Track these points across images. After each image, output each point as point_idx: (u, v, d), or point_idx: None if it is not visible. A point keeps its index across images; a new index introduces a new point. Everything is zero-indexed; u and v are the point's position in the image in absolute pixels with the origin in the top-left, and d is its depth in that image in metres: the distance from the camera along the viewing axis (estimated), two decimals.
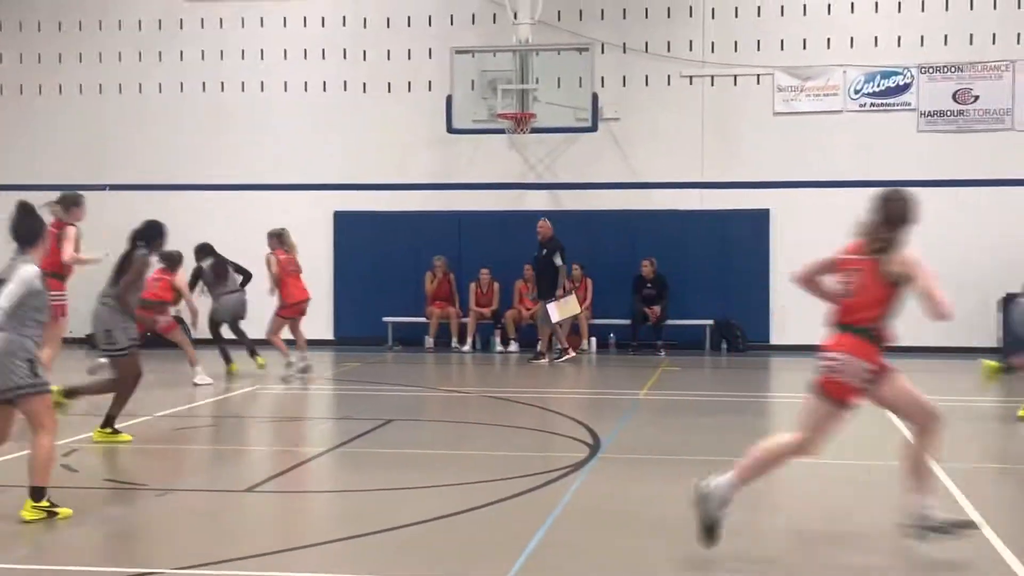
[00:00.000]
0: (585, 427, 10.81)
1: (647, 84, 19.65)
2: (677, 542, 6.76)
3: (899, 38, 19.04)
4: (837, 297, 6.52)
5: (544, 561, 6.36)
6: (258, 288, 16.08)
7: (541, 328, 17.69)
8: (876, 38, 19.10)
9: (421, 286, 19.58)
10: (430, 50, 19.90)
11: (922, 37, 18.99)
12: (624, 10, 19.70)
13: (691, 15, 19.54)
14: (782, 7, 19.35)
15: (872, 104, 19.10)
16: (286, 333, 15.55)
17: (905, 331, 19.18)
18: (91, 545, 6.88)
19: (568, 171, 19.79)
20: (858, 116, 19.13)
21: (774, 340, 19.24)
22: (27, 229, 7.31)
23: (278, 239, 15.60)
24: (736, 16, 19.44)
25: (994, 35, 18.82)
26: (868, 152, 18.98)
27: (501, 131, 18.88)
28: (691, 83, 19.52)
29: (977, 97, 18.81)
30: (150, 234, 10.29)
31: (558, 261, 17.39)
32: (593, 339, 19.12)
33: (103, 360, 13.82)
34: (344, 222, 20.17)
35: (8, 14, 21.09)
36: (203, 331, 15.48)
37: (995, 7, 18.85)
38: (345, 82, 20.33)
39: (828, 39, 19.21)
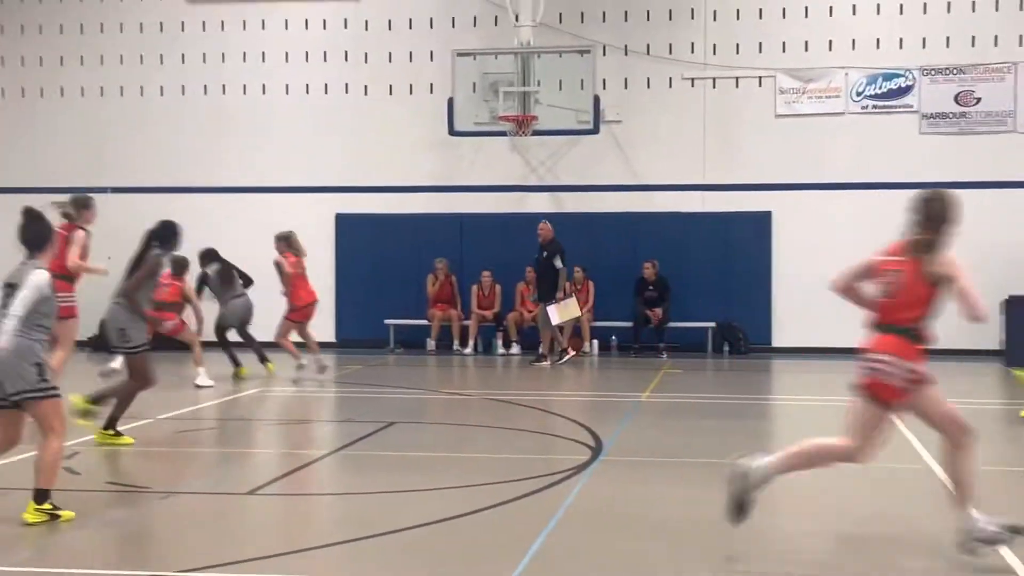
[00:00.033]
0: (587, 430, 10.80)
1: (649, 86, 19.65)
2: (680, 544, 6.76)
3: (901, 40, 19.04)
4: (875, 303, 6.47)
5: (547, 563, 6.36)
6: (263, 292, 16.09)
7: (542, 331, 17.69)
8: (878, 40, 19.09)
9: (423, 288, 19.58)
10: (431, 52, 19.91)
11: (924, 39, 18.99)
12: (626, 12, 19.71)
13: (693, 17, 19.54)
14: (784, 9, 19.35)
15: (874, 106, 19.10)
16: (294, 336, 15.58)
17: None
18: (94, 548, 6.88)
19: (570, 173, 19.79)
20: (860, 118, 19.13)
21: (776, 342, 19.24)
22: (35, 234, 7.34)
23: (286, 242, 15.61)
24: (738, 18, 19.44)
25: (996, 37, 18.81)
26: (870, 154, 18.98)
27: (503, 133, 18.87)
28: (693, 85, 19.52)
29: (979, 99, 18.80)
30: (165, 235, 10.31)
31: (558, 263, 17.39)
32: (595, 341, 19.11)
33: (113, 366, 13.86)
34: (346, 224, 20.18)
35: (10, 17, 21.10)
36: (208, 335, 15.49)
37: (997, 9, 18.85)
38: (346, 85, 20.34)
39: (830, 41, 19.22)
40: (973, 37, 18.85)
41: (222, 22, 20.60)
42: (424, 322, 19.49)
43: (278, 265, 15.50)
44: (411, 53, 20.12)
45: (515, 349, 19.00)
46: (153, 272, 10.26)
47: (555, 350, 17.67)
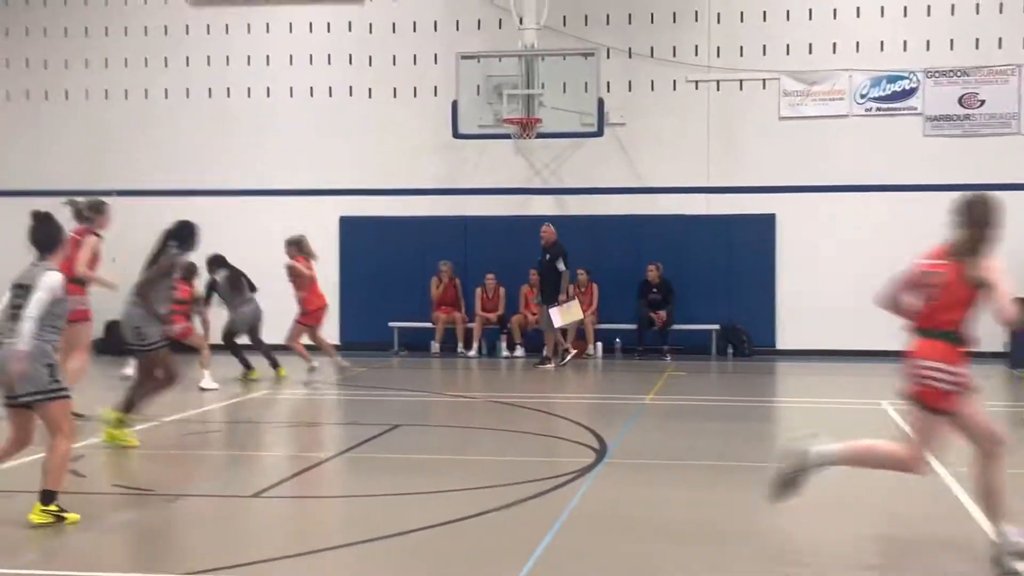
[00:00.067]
0: (591, 432, 10.80)
1: (653, 89, 19.66)
2: (686, 546, 6.76)
3: (905, 42, 19.04)
4: (916, 308, 6.42)
5: (552, 566, 6.36)
6: (272, 296, 16.12)
7: (546, 333, 17.70)
8: (882, 42, 19.10)
9: (427, 291, 19.59)
10: (436, 55, 19.93)
11: (928, 41, 18.99)
12: (630, 15, 19.72)
13: (697, 20, 19.55)
14: (788, 11, 19.35)
15: (878, 108, 19.10)
16: (305, 339, 15.61)
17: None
18: (99, 551, 6.88)
19: (574, 176, 19.80)
20: (864, 120, 19.13)
21: (780, 345, 19.23)
22: (45, 236, 7.38)
23: (297, 247, 15.63)
24: (742, 21, 19.45)
25: (1000, 39, 18.81)
26: (874, 157, 18.98)
27: (507, 136, 18.88)
28: (697, 88, 19.53)
29: (983, 101, 18.80)
30: (183, 234, 10.32)
31: (561, 266, 17.39)
32: (599, 344, 19.11)
33: (129, 371, 13.87)
34: (350, 227, 20.19)
35: (15, 20, 21.15)
36: (214, 339, 15.54)
37: (1001, 11, 18.85)
38: (351, 87, 20.36)
39: (834, 44, 19.22)
40: (977, 39, 18.86)
41: (226, 25, 20.64)
42: (428, 325, 19.50)
43: (291, 269, 15.49)
44: (415, 56, 20.14)
45: (519, 352, 19.00)
46: (168, 271, 10.24)
47: (558, 352, 17.68)
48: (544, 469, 9.05)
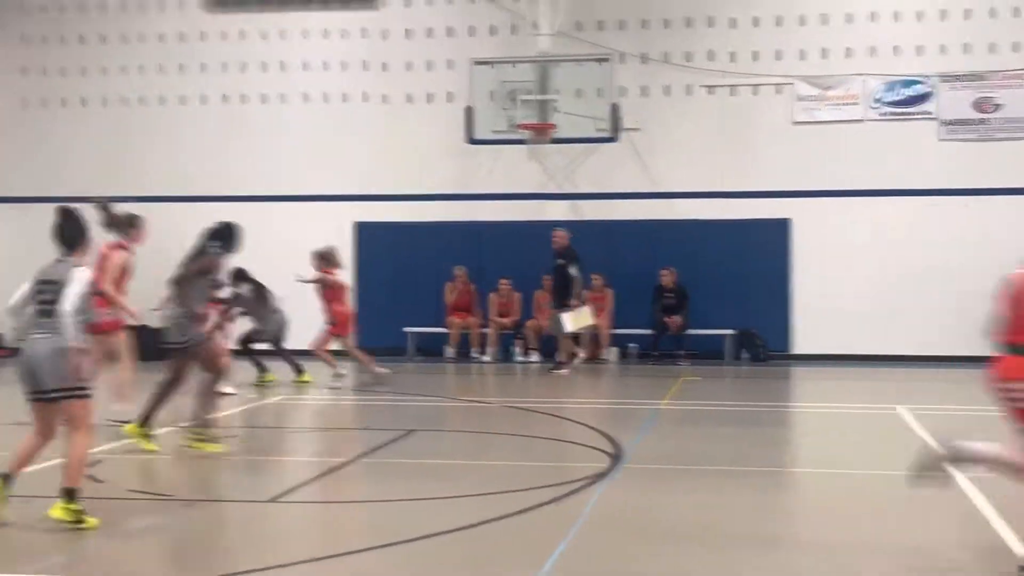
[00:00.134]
0: (606, 437, 10.81)
1: (667, 94, 19.66)
2: (702, 551, 6.76)
3: (920, 47, 19.01)
4: (1004, 321, 6.35)
5: (568, 570, 6.36)
6: (285, 302, 16.21)
7: (559, 338, 17.69)
8: (896, 47, 19.07)
9: (441, 296, 19.63)
10: (450, 61, 19.97)
11: (943, 46, 18.95)
12: (644, 20, 19.74)
13: (711, 25, 19.55)
14: (802, 17, 19.34)
15: (893, 113, 19.06)
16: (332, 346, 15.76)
17: (937, 341, 19.03)
18: (117, 556, 6.91)
19: (588, 181, 19.81)
20: (878, 125, 19.10)
21: (795, 350, 19.21)
22: (70, 233, 7.42)
23: (326, 260, 15.67)
24: (756, 26, 19.45)
25: (1015, 43, 18.77)
26: (888, 162, 18.95)
27: (521, 142, 18.92)
28: (711, 93, 19.53)
29: (998, 105, 18.75)
30: (226, 235, 10.29)
31: (572, 271, 17.39)
32: (614, 349, 19.12)
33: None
34: (365, 233, 20.24)
35: (32, 28, 21.27)
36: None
37: (1016, 15, 18.80)
38: (365, 93, 20.42)
39: (848, 48, 19.20)
40: (992, 44, 18.81)
41: (241, 32, 20.73)
42: (443, 330, 19.54)
43: (323, 281, 15.53)
44: (430, 62, 20.19)
45: (534, 357, 19.02)
46: (207, 270, 10.17)
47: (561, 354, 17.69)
48: (559, 474, 9.05)
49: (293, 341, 16.02)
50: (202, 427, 10.08)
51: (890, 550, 6.85)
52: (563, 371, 17.28)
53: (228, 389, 14.26)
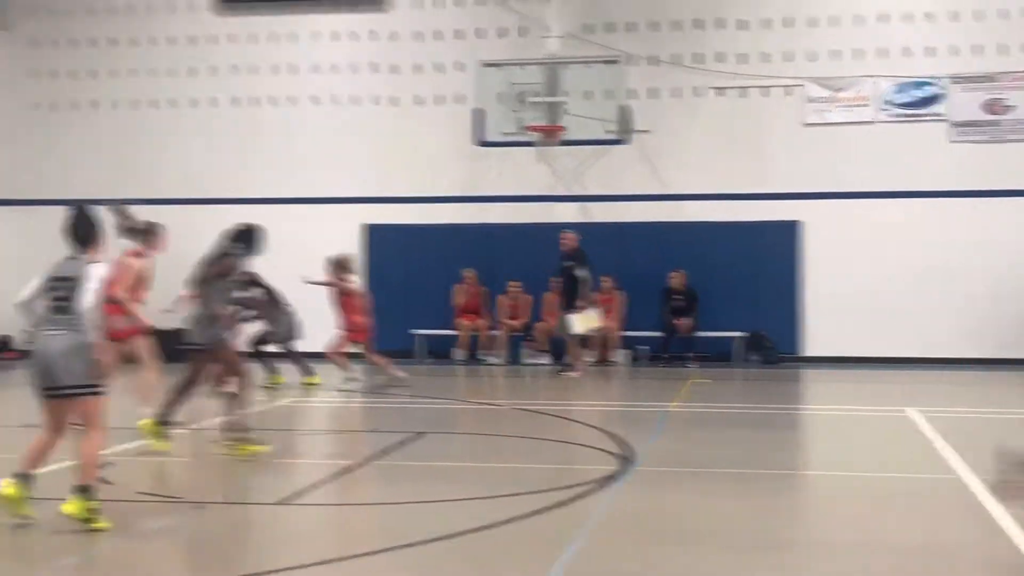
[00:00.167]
0: (617, 440, 10.79)
1: (676, 96, 19.64)
2: (712, 554, 6.74)
3: (930, 48, 18.96)
4: None
5: (578, 573, 6.35)
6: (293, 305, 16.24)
7: (568, 341, 17.67)
8: (907, 49, 19.03)
9: (450, 298, 19.63)
10: (459, 63, 19.98)
11: (954, 47, 18.90)
12: (653, 22, 19.72)
13: (721, 27, 19.53)
14: (812, 18, 19.31)
15: (903, 115, 19.02)
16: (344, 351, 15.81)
17: (947, 343, 19.00)
18: (127, 559, 6.91)
19: (598, 183, 19.80)
20: (889, 127, 19.05)
21: (805, 352, 19.17)
22: (83, 231, 7.44)
23: (343, 268, 15.69)
24: (766, 28, 19.42)
25: None
26: (899, 163, 18.91)
27: (530, 144, 18.92)
28: (721, 95, 19.50)
29: (1009, 107, 18.69)
30: (249, 237, 10.26)
31: (580, 273, 17.38)
32: (623, 351, 19.10)
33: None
34: (374, 235, 20.25)
35: (43, 31, 21.33)
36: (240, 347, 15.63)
37: None
38: (375, 96, 20.44)
39: (859, 50, 19.15)
40: (1003, 45, 18.76)
41: (251, 34, 20.76)
42: (452, 332, 19.54)
43: (341, 289, 15.55)
44: (439, 64, 20.20)
45: (543, 359, 19.01)
46: (228, 271, 10.14)
47: (564, 358, 17.69)
48: (569, 476, 9.04)
49: (308, 344, 16.02)
50: (240, 430, 10.03)
51: (903, 552, 6.82)
52: (573, 373, 17.26)
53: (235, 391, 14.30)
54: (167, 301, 12.74)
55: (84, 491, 7.13)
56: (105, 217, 8.07)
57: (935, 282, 18.52)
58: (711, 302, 19.01)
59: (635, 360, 19.18)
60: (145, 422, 10.13)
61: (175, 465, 9.97)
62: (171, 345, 12.57)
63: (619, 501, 8.20)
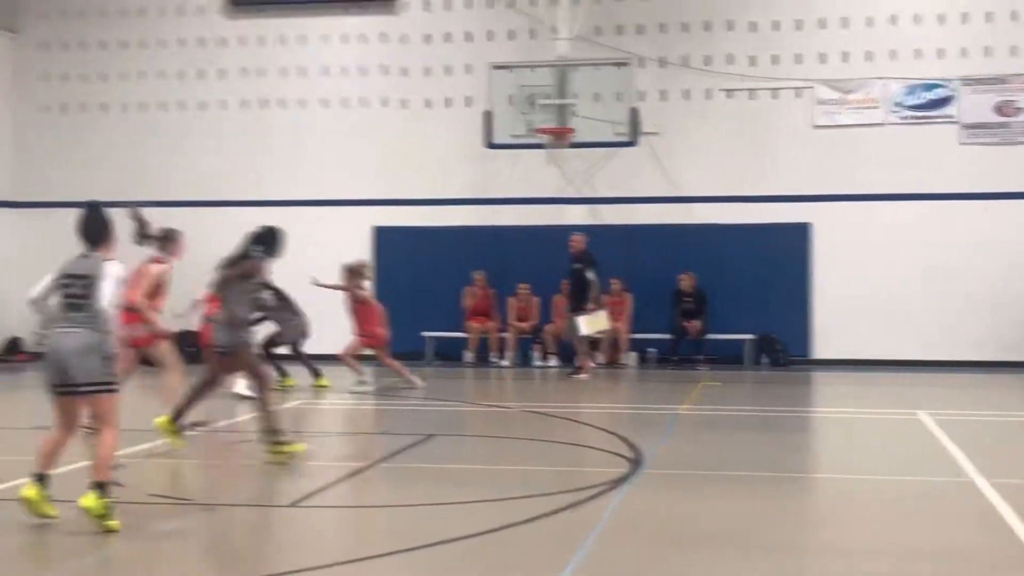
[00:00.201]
0: (626, 442, 10.77)
1: (686, 98, 19.62)
2: (723, 557, 6.72)
3: (940, 50, 18.92)
4: None
5: (590, 574, 6.36)
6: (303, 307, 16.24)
7: (576, 342, 17.65)
8: (917, 50, 18.99)
9: (460, 301, 19.63)
10: (469, 66, 19.99)
11: (964, 49, 18.86)
12: (663, 24, 19.70)
13: (730, 29, 19.51)
14: (822, 20, 19.28)
15: (913, 117, 18.98)
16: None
17: (957, 345, 18.94)
18: (138, 561, 6.92)
19: (607, 185, 19.79)
20: (899, 129, 19.02)
21: (816, 355, 19.13)
22: (95, 228, 7.46)
23: (355, 274, 15.70)
24: (776, 29, 19.39)
25: None
26: (909, 165, 18.87)
27: (540, 146, 18.91)
28: (731, 97, 19.49)
29: (1020, 109, 18.65)
30: (269, 239, 10.26)
31: (590, 275, 17.37)
32: (633, 353, 19.09)
33: (239, 391, 13.91)
34: (383, 237, 20.26)
35: (53, 34, 21.39)
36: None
37: None
38: (385, 98, 20.45)
39: (869, 52, 19.12)
40: (1014, 47, 18.71)
41: (261, 37, 20.79)
42: (462, 334, 19.54)
43: (357, 297, 15.57)
44: (448, 66, 20.21)
45: (553, 361, 19.00)
46: (249, 274, 10.11)
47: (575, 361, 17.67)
48: (579, 479, 9.04)
49: (316, 346, 16.04)
50: (275, 433, 10.00)
51: (915, 555, 6.80)
52: (582, 375, 17.25)
53: (247, 391, 14.31)
54: (179, 305, 12.76)
55: (101, 487, 7.15)
56: (122, 222, 8.08)
57: (946, 284, 18.48)
58: (721, 304, 18.99)
59: (642, 362, 19.16)
60: (161, 420, 10.15)
61: (187, 467, 9.98)
62: (190, 347, 12.61)
63: (629, 504, 8.19)
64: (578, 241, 17.64)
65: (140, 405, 11.67)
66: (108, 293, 7.23)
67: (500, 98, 18.74)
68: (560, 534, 7.32)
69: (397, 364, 15.84)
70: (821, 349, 19.14)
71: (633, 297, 19.21)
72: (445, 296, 19.73)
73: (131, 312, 10.51)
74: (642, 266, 19.28)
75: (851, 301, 18.86)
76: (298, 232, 19.38)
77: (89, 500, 7.06)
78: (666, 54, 19.63)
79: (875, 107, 19.06)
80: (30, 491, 7.19)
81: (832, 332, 19.02)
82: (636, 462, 9.74)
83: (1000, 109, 18.73)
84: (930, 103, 18.93)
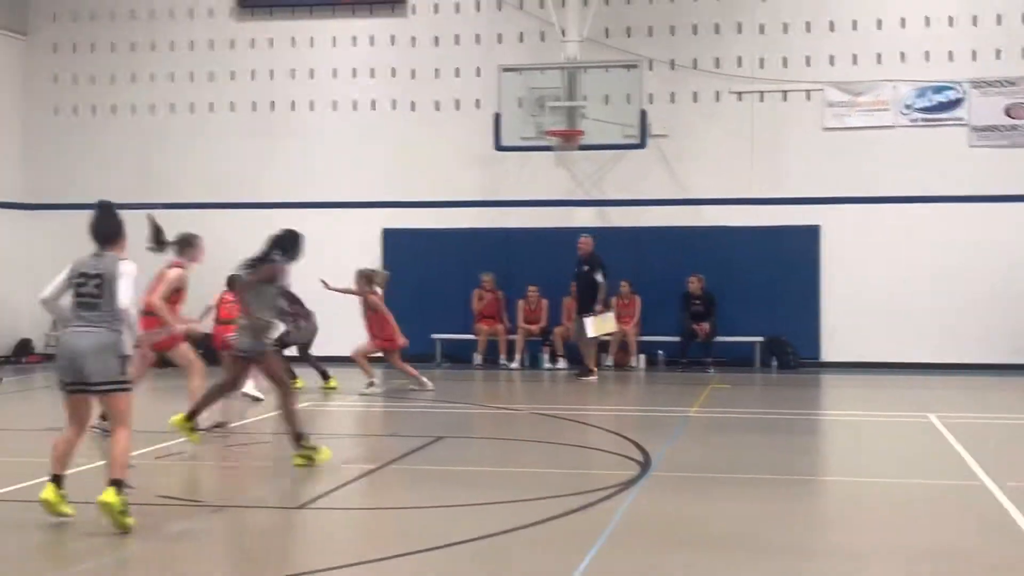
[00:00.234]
0: (635, 445, 10.77)
1: (696, 100, 19.61)
2: (733, 559, 6.72)
3: (950, 52, 18.88)
4: None
5: None
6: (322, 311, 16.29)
7: (583, 344, 17.64)
8: (927, 53, 18.95)
9: (469, 303, 19.64)
10: (478, 68, 20.00)
11: (974, 51, 18.82)
12: (672, 27, 19.70)
13: (740, 31, 19.50)
14: (832, 22, 19.25)
15: (923, 119, 18.95)
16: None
17: (967, 348, 18.91)
18: (150, 562, 6.94)
19: (616, 188, 19.78)
20: (909, 131, 18.98)
21: (825, 357, 19.09)
22: (107, 227, 7.49)
23: (368, 280, 15.74)
24: (785, 32, 19.37)
25: None
26: (919, 168, 18.83)
27: (549, 148, 18.91)
28: (740, 99, 19.47)
29: None
30: (288, 243, 10.28)
31: (598, 277, 17.36)
32: (642, 356, 19.08)
33: (250, 391, 13.95)
34: (393, 239, 20.27)
35: (63, 36, 21.44)
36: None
37: None
38: (393, 100, 20.47)
39: (879, 54, 19.09)
40: None
41: (271, 39, 20.83)
42: (471, 336, 19.54)
43: (370, 302, 15.60)
44: (458, 69, 20.22)
45: (561, 364, 19.00)
46: (270, 277, 10.10)
47: (599, 362, 17.64)
48: (588, 481, 9.04)
49: (327, 348, 16.08)
50: (303, 438, 9.97)
51: (924, 557, 6.79)
52: (590, 378, 17.24)
53: (256, 393, 14.34)
54: (194, 310, 12.77)
55: (118, 484, 7.20)
56: (133, 225, 8.08)
57: (955, 286, 18.44)
58: (730, 307, 18.97)
59: (651, 364, 19.14)
60: (177, 418, 10.18)
61: (199, 469, 10.00)
62: (204, 349, 12.66)
63: (639, 506, 8.19)
64: (586, 243, 17.65)
65: (151, 408, 11.71)
66: (128, 292, 7.25)
67: (509, 100, 18.75)
68: (570, 536, 7.32)
69: (410, 369, 15.86)
70: (830, 351, 19.10)
71: (641, 299, 19.20)
72: (454, 298, 19.74)
73: (149, 316, 10.56)
74: (651, 268, 19.27)
75: (861, 303, 18.83)
76: (307, 234, 19.47)
77: (109, 496, 7.11)
78: (675, 56, 19.62)
79: (885, 109, 19.03)
80: (48, 493, 7.29)
81: (842, 334, 18.97)
82: (645, 465, 9.74)
83: (1010, 111, 18.69)
84: (940, 105, 18.90)
